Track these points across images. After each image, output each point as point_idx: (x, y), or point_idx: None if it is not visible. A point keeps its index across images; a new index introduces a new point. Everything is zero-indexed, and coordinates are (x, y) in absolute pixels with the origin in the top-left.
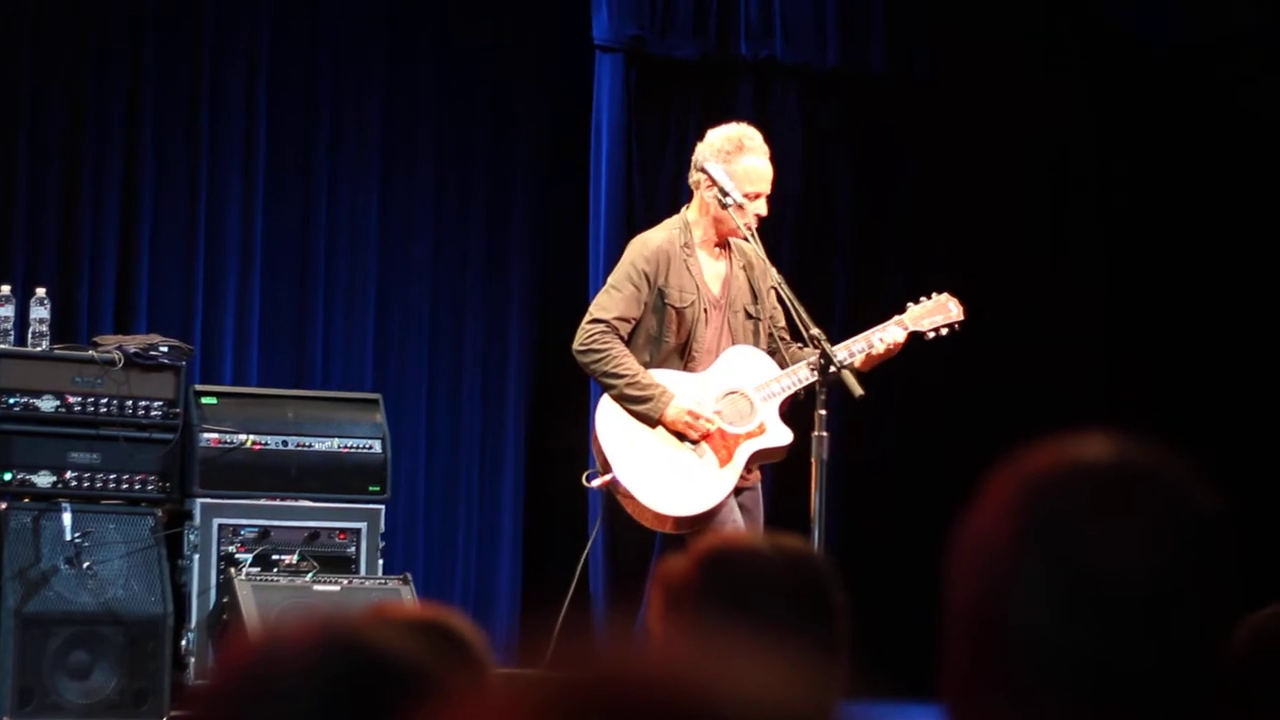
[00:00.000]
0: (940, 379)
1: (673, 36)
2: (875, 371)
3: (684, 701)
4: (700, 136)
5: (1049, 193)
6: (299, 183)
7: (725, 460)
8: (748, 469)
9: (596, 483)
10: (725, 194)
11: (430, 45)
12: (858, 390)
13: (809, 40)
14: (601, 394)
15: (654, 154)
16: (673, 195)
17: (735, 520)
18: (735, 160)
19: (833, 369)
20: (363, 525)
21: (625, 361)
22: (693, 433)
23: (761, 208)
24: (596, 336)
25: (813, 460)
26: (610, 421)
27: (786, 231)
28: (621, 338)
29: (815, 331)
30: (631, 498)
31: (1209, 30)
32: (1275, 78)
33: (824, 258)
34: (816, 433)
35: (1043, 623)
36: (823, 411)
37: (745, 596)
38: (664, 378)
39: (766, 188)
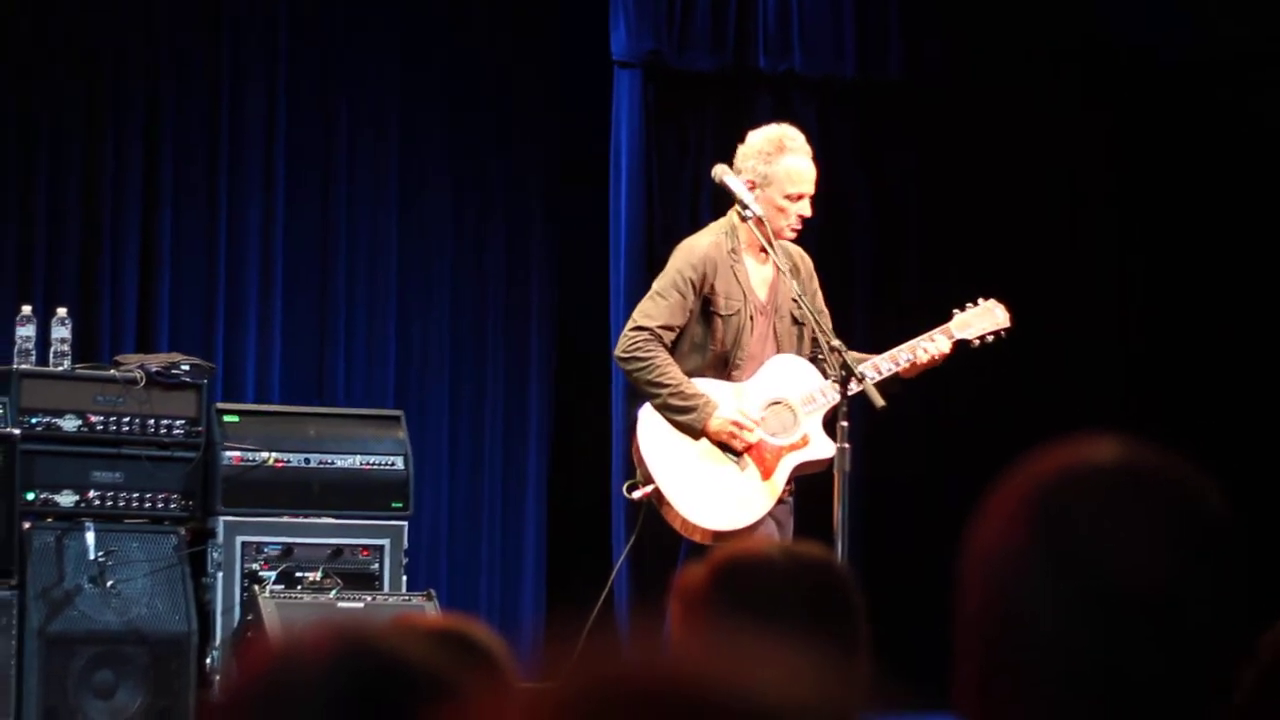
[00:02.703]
0: (963, 387)
1: (691, 50)
2: (897, 381)
3: (703, 696)
4: (719, 150)
5: (1067, 201)
6: (318, 200)
7: (767, 473)
8: (788, 481)
9: (638, 494)
10: (744, 206)
11: (446, 63)
12: (879, 401)
13: (827, 52)
14: (637, 404)
15: (673, 168)
16: (692, 209)
17: (771, 535)
18: (776, 161)
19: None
20: (386, 542)
21: (669, 370)
22: (736, 444)
23: (805, 209)
24: (640, 344)
25: (835, 471)
26: (652, 432)
27: (806, 243)
28: (666, 346)
29: (835, 343)
30: (673, 509)
31: (1219, 43)
32: None
33: (844, 269)
34: (839, 444)
35: (1052, 629)
36: (844, 423)
37: (758, 601)
38: (707, 387)
39: (809, 188)
